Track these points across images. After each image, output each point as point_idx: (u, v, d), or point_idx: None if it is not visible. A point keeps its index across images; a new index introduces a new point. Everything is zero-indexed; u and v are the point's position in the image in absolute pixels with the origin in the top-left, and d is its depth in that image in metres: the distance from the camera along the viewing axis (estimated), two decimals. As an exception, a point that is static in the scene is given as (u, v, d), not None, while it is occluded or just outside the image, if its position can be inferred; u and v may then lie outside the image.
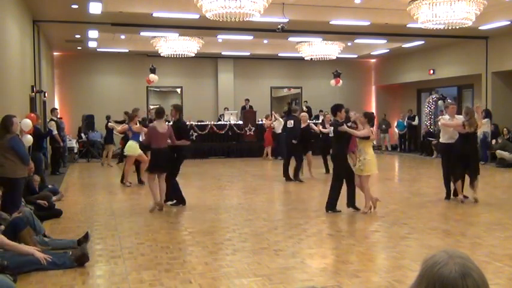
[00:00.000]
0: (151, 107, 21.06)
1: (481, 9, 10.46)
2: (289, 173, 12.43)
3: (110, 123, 16.32)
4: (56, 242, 6.17)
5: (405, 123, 21.09)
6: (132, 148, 11.86)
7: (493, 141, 16.13)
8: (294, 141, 12.37)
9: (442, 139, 9.67)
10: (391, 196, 10.25)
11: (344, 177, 8.43)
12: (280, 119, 18.99)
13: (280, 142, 18.57)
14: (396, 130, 21.54)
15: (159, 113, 8.91)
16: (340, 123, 8.47)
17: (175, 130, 9.02)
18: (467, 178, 9.32)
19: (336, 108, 8.68)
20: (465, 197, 9.21)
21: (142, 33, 16.34)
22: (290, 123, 12.61)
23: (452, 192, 9.48)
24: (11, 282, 4.61)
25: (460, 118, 9.36)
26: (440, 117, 9.52)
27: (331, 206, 8.46)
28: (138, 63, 20.45)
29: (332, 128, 8.68)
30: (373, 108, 23.63)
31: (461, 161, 9.09)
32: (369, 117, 8.35)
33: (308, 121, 13.53)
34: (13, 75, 9.98)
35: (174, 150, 9.01)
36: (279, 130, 18.71)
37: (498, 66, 16.87)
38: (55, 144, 14.13)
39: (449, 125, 9.34)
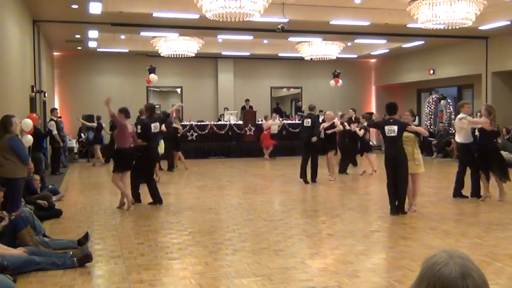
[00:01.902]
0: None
1: (481, 9, 10.46)
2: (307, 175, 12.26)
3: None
4: (56, 242, 6.17)
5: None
6: (161, 147, 12.05)
7: (493, 141, 16.12)
8: (313, 139, 12.05)
9: (461, 140, 9.57)
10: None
11: None
12: (278, 121, 19.03)
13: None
14: None
15: (122, 111, 9.16)
16: (407, 123, 8.43)
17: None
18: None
19: (395, 107, 8.37)
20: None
21: (142, 33, 16.34)
22: (307, 122, 12.29)
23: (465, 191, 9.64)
24: (11, 282, 4.61)
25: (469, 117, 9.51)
26: (464, 115, 9.43)
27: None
28: (138, 63, 20.44)
29: (393, 127, 8.02)
30: (373, 108, 23.63)
31: (487, 159, 9.19)
32: (415, 116, 8.67)
33: (334, 120, 13.13)
34: (13, 75, 9.98)
35: (141, 150, 9.22)
36: (275, 131, 18.75)
37: (498, 66, 16.87)
38: (55, 144, 14.14)
39: (478, 122, 9.36)
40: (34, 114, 11.11)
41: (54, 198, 8.97)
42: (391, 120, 8.15)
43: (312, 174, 12.19)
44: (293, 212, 8.65)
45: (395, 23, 14.07)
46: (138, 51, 19.81)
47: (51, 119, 14.82)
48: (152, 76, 18.69)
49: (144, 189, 9.45)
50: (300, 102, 22.30)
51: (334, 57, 18.21)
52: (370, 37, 17.50)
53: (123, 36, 18.71)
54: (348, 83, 22.22)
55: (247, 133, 19.33)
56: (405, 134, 8.19)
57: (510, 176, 9.32)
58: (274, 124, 18.90)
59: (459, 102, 10.38)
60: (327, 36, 16.66)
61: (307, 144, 12.21)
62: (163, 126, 10.01)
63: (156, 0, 12.61)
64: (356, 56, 21.77)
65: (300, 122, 19.83)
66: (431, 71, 19.87)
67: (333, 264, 5.56)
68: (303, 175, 12.17)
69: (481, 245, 6.28)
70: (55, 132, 13.82)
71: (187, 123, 18.97)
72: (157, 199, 9.35)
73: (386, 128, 8.08)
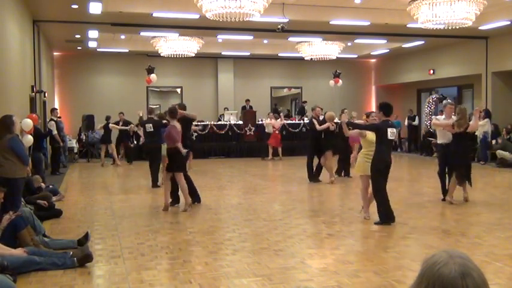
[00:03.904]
0: (152, 107, 21.07)
1: (481, 9, 10.46)
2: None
3: (110, 124, 16.82)
4: (56, 242, 6.17)
5: (406, 123, 21.04)
6: None
7: (493, 141, 16.13)
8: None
9: (439, 140, 9.66)
10: (391, 196, 10.20)
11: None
12: (275, 120, 18.98)
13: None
14: None
15: (172, 112, 8.85)
16: None
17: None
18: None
19: (392, 108, 7.85)
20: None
21: (142, 33, 16.34)
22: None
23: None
24: (11, 282, 4.61)
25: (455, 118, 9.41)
26: (433, 117, 9.47)
27: None
28: (138, 63, 20.43)
29: (394, 129, 7.51)
30: (373, 108, 23.62)
31: (451, 160, 9.06)
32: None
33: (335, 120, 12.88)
34: (13, 75, 9.98)
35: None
36: (269, 130, 18.67)
37: (498, 66, 16.87)
38: (55, 144, 14.14)
39: (439, 124, 9.29)
40: (34, 114, 11.11)
41: (54, 198, 8.96)
42: (390, 122, 7.66)
43: (312, 173, 12.32)
44: (293, 212, 8.65)
45: (395, 23, 14.07)
46: (138, 51, 19.81)
47: (51, 119, 14.83)
48: (153, 76, 18.72)
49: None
50: (305, 103, 22.00)
51: (334, 57, 18.20)
52: (370, 37, 17.50)
53: (123, 36, 18.71)
54: (348, 83, 22.22)
55: (247, 133, 19.32)
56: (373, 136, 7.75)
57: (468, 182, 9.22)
58: (276, 123, 18.80)
59: (442, 103, 10.18)
60: (327, 36, 16.66)
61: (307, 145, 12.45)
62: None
63: (156, 0, 12.61)
64: (356, 56, 21.77)
65: (299, 122, 19.98)
66: (431, 71, 19.87)
67: (333, 264, 5.56)
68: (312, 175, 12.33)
69: (481, 245, 6.28)
70: (55, 132, 13.82)
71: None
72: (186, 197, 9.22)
73: (389, 130, 7.46)
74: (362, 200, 8.02)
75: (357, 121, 11.00)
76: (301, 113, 21.25)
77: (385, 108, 7.62)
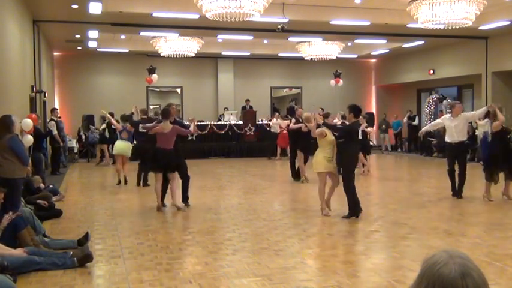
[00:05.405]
0: (152, 107, 21.09)
1: (481, 9, 10.47)
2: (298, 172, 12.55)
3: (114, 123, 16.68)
4: (56, 242, 6.16)
5: (406, 123, 21.04)
6: None
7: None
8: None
9: (447, 139, 9.64)
10: (391, 196, 10.25)
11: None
12: (281, 120, 19.00)
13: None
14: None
15: (164, 113, 8.80)
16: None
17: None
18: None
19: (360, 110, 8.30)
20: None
21: (142, 33, 16.34)
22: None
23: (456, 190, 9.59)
24: (11, 282, 4.61)
25: (464, 115, 9.52)
26: (443, 116, 9.53)
27: None
28: (138, 63, 20.45)
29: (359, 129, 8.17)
30: (373, 108, 23.65)
31: (496, 160, 9.21)
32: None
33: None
34: (13, 75, 9.98)
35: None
36: (277, 130, 18.69)
37: (498, 66, 16.88)
38: (55, 144, 14.13)
39: (496, 126, 9.28)
40: (34, 114, 11.11)
41: (54, 198, 8.96)
42: (358, 123, 8.27)
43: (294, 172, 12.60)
44: (293, 212, 8.65)
45: (395, 23, 14.07)
46: (138, 51, 19.81)
47: (51, 119, 14.82)
48: (154, 76, 18.72)
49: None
50: (293, 102, 22.17)
51: (334, 57, 18.21)
52: (370, 37, 17.50)
53: (123, 36, 18.71)
54: (348, 83, 22.23)
55: (247, 133, 19.33)
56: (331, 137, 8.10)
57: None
58: (283, 123, 18.77)
59: (449, 103, 10.36)
60: (327, 36, 16.66)
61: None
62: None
63: (156, 0, 12.61)
64: (356, 56, 21.77)
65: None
66: (431, 71, 19.87)
67: (333, 264, 5.56)
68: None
69: (481, 245, 6.28)
70: (55, 132, 13.82)
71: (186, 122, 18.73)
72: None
73: (360, 130, 8.22)
74: (319, 197, 8.28)
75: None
76: (291, 113, 21.31)
77: (355, 110, 8.10)
